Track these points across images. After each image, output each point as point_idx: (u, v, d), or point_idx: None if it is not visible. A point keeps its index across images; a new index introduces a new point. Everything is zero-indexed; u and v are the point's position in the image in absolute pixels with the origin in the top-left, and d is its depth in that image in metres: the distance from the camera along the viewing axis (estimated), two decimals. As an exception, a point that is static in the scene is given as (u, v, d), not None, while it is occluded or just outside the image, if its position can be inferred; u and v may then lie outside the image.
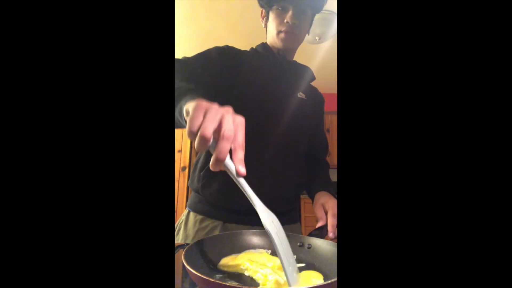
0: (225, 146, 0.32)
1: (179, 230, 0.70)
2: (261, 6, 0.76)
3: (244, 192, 0.37)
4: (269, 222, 0.38)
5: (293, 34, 0.71)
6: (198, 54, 0.69)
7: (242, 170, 0.34)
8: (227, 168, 0.35)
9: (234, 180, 0.36)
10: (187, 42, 2.14)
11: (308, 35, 0.78)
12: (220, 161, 0.32)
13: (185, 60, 0.67)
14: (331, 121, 3.30)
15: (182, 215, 0.73)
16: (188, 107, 0.38)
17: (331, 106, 1.77)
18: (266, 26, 0.77)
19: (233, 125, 0.34)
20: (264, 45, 0.78)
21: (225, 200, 0.67)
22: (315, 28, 1.71)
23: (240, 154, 0.34)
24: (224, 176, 0.65)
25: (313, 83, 0.87)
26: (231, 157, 0.35)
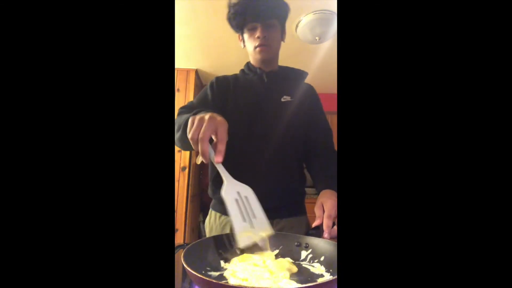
0: (202, 146, 0.46)
1: (206, 225, 0.87)
2: (235, 31, 0.87)
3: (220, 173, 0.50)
4: (229, 191, 0.49)
5: (267, 46, 0.82)
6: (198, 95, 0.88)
7: (219, 159, 0.48)
8: (210, 157, 0.48)
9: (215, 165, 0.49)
10: (187, 42, 2.14)
11: (284, 41, 0.87)
12: (203, 156, 0.47)
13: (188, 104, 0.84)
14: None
15: (209, 213, 0.89)
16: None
17: (331, 106, 1.76)
18: (245, 46, 0.88)
19: (213, 126, 0.48)
20: (248, 64, 0.90)
21: None
22: (315, 28, 1.71)
23: (220, 147, 0.48)
24: None
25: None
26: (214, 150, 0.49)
